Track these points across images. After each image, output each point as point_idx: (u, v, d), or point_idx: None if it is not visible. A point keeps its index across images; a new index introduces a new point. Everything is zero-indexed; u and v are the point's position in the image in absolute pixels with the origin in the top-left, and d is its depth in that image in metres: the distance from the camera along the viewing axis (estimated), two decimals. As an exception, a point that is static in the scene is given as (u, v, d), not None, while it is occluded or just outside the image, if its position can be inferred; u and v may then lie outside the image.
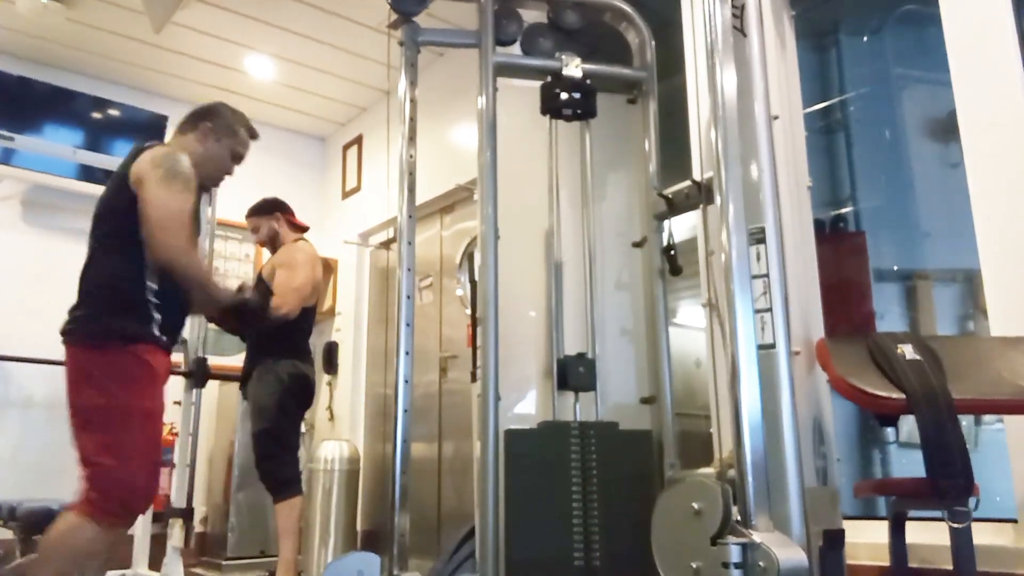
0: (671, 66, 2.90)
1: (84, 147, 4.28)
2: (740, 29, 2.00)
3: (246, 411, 3.79)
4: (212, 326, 3.57)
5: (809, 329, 2.26)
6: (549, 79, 2.67)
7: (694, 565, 1.59)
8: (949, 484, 1.58)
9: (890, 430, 1.85)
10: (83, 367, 2.04)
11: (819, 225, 2.66)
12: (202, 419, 3.73)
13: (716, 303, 2.30)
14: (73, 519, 1.95)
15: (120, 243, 2.14)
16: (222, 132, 2.34)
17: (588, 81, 2.68)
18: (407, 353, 2.47)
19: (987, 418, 2.48)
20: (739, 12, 2.01)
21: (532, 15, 2.78)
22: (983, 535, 1.92)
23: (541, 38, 2.74)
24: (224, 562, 4.14)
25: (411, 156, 2.58)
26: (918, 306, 2.97)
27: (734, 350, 1.68)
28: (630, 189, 3.10)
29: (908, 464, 2.70)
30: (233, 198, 4.35)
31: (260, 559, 4.16)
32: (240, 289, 2.38)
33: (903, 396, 1.67)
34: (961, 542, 1.59)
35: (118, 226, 2.15)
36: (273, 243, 3.55)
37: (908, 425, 1.75)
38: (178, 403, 3.65)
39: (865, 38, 3.28)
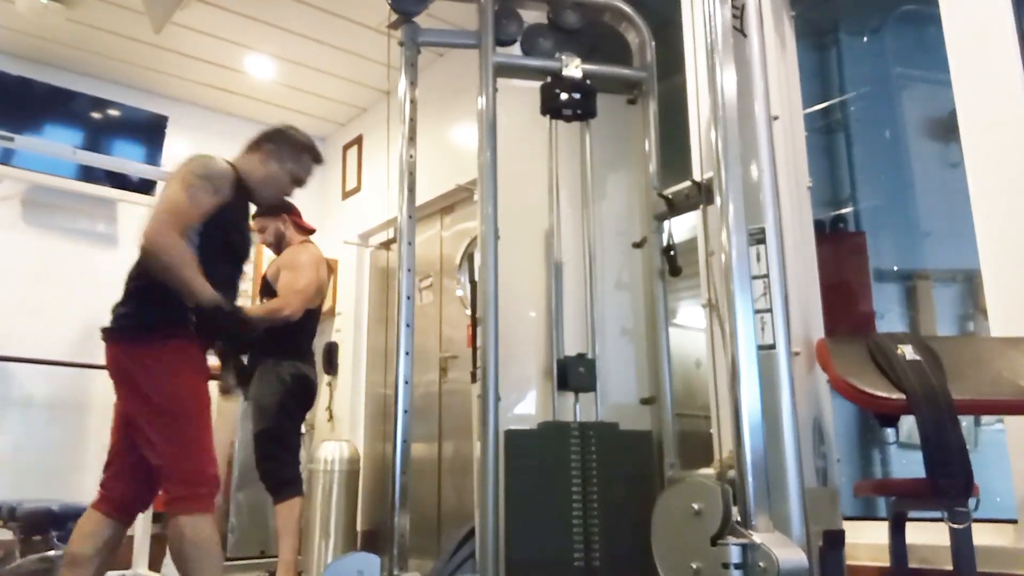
0: (671, 66, 2.90)
1: (84, 147, 4.27)
2: (740, 29, 2.00)
3: (246, 411, 3.79)
4: None
5: (809, 329, 2.26)
6: (549, 79, 2.67)
7: (694, 565, 1.59)
8: (949, 484, 1.58)
9: (890, 430, 1.84)
10: (134, 362, 2.08)
11: (819, 225, 2.65)
12: (202, 419, 3.72)
13: (716, 303, 2.30)
14: (184, 520, 2.02)
15: None
16: (285, 155, 2.37)
17: (588, 81, 2.68)
18: (407, 353, 2.47)
19: (987, 418, 2.48)
20: (739, 12, 2.01)
21: (532, 15, 2.78)
22: (983, 535, 1.92)
23: (541, 38, 2.74)
24: (224, 562, 4.13)
25: (411, 156, 2.58)
26: (918, 306, 2.97)
27: (734, 350, 1.68)
28: (630, 189, 3.10)
29: (908, 464, 2.70)
30: (233, 198, 4.36)
31: (260, 559, 4.16)
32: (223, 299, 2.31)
33: (903, 396, 1.67)
34: (961, 542, 1.59)
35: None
36: (279, 244, 3.55)
37: (908, 425, 1.75)
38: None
39: (865, 38, 3.28)
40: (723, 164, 1.80)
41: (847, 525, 2.09)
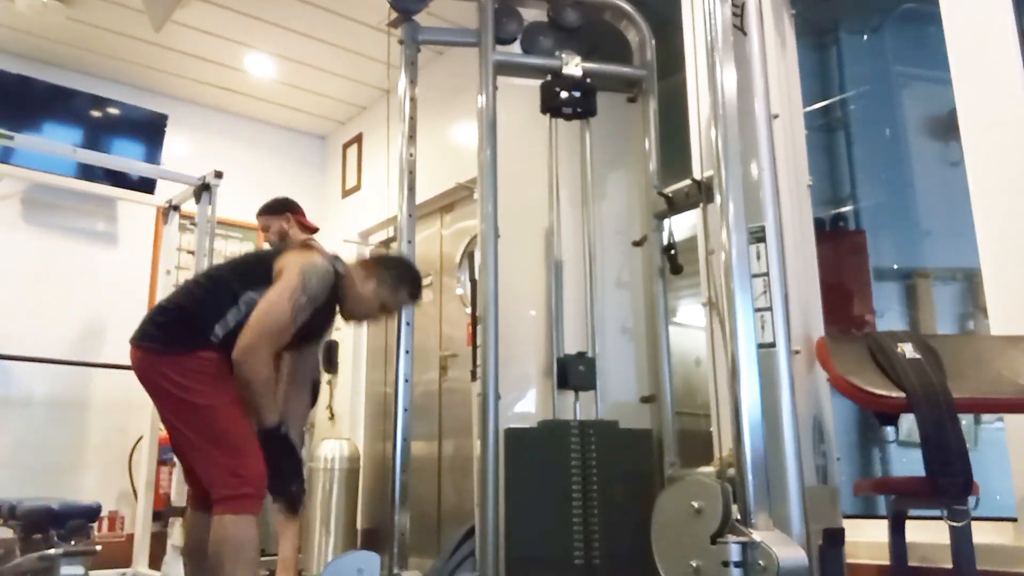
0: (671, 65, 2.90)
1: (84, 146, 4.27)
2: (740, 27, 2.00)
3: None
4: None
5: (809, 328, 2.26)
6: (549, 78, 2.67)
7: (694, 564, 1.59)
8: (949, 483, 1.58)
9: (890, 429, 1.84)
10: (165, 367, 2.13)
11: (819, 224, 2.65)
12: (202, 418, 3.73)
13: (716, 302, 2.30)
14: (228, 520, 2.05)
15: (222, 290, 2.22)
16: (384, 282, 2.37)
17: (588, 80, 2.68)
18: (407, 352, 2.48)
19: (987, 417, 2.48)
20: (739, 10, 2.01)
21: (532, 13, 2.78)
22: (983, 534, 1.92)
23: (541, 36, 2.74)
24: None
25: (411, 155, 2.58)
26: (918, 305, 2.97)
27: (734, 349, 1.68)
28: (630, 188, 3.10)
29: (908, 463, 2.70)
30: (233, 197, 4.35)
31: (260, 558, 4.15)
32: (281, 423, 2.34)
33: (903, 395, 1.67)
34: (961, 541, 1.59)
35: (228, 279, 2.26)
36: (283, 243, 3.55)
37: (908, 424, 1.75)
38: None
39: (865, 36, 3.28)
40: (723, 162, 1.80)
41: (847, 523, 2.10)
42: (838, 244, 2.99)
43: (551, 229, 2.83)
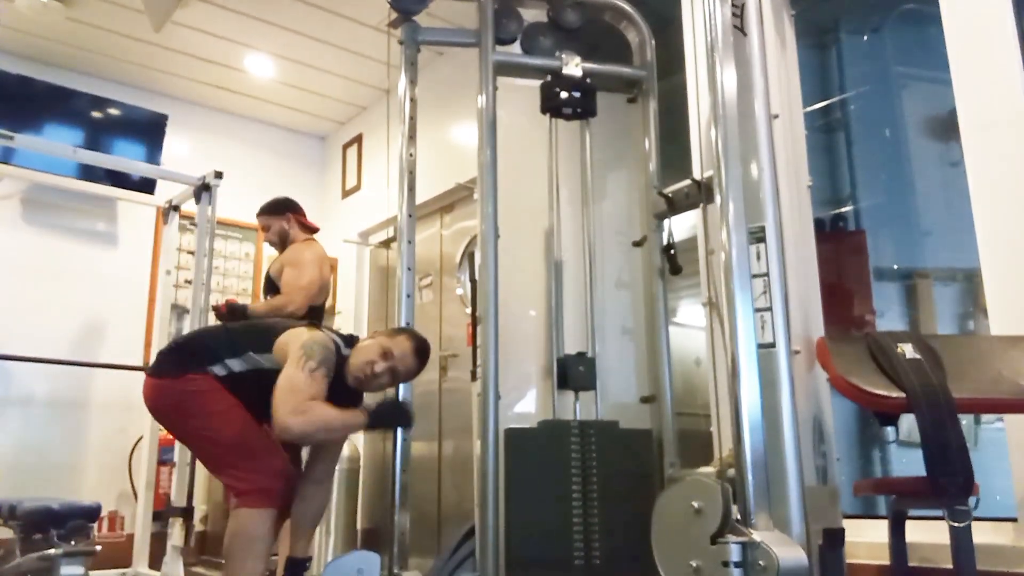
0: (671, 65, 2.90)
1: (84, 146, 4.27)
2: (740, 28, 2.00)
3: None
4: None
5: (809, 328, 2.26)
6: (549, 78, 2.67)
7: (694, 564, 1.59)
8: (949, 483, 1.58)
9: (890, 429, 1.84)
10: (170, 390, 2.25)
11: (819, 224, 2.65)
12: (202, 418, 3.73)
13: (716, 302, 2.30)
14: (244, 513, 2.15)
15: (227, 339, 2.32)
16: (389, 357, 2.29)
17: (588, 80, 2.68)
18: (407, 352, 2.46)
19: (987, 417, 2.48)
20: (739, 11, 2.01)
21: (532, 14, 2.78)
22: (983, 534, 1.92)
23: (541, 37, 2.74)
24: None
25: (411, 155, 2.58)
26: (918, 305, 2.97)
27: (734, 349, 1.68)
28: (630, 188, 3.10)
29: (908, 463, 2.70)
30: (233, 197, 4.36)
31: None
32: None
33: (903, 395, 1.66)
34: (961, 541, 1.59)
35: (238, 332, 2.40)
36: (283, 243, 3.55)
37: (908, 424, 1.75)
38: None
39: (865, 37, 3.28)
40: (723, 163, 1.81)
41: (847, 523, 2.10)
42: (838, 244, 2.99)
43: (551, 229, 2.83)
